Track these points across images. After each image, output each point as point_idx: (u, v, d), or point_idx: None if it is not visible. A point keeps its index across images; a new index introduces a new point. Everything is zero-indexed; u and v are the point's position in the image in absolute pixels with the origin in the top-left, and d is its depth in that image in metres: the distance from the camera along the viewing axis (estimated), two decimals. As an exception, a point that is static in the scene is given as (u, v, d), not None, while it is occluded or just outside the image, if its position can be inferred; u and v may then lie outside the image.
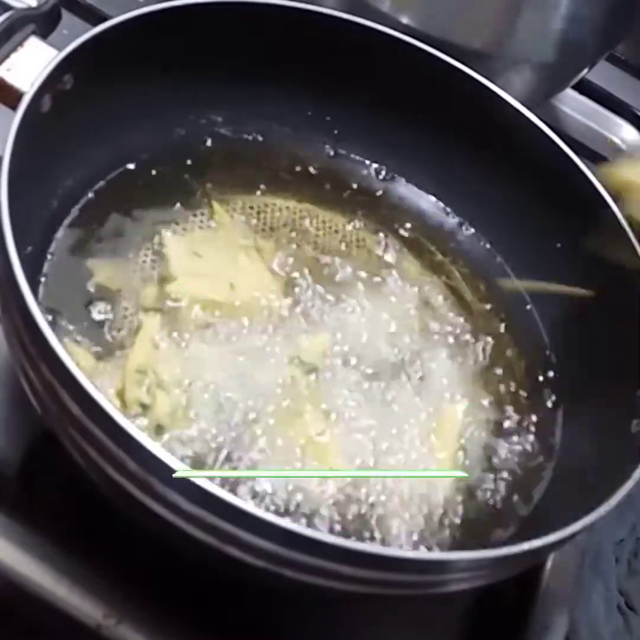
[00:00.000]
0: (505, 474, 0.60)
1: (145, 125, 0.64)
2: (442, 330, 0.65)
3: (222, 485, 0.52)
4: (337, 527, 0.54)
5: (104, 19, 0.58)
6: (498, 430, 0.62)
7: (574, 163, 0.66)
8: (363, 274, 0.66)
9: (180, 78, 0.64)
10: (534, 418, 0.63)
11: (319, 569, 0.45)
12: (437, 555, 0.53)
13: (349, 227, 0.69)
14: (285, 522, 0.44)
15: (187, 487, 0.43)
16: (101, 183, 0.63)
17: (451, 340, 0.65)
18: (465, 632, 0.60)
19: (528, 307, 0.69)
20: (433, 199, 0.73)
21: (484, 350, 0.65)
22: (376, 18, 0.67)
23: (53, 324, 0.55)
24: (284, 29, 0.65)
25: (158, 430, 0.54)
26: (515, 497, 0.59)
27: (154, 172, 0.65)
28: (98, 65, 0.57)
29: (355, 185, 0.72)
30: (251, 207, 0.67)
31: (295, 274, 0.64)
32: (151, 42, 0.60)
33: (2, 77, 0.60)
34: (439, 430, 0.60)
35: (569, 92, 0.94)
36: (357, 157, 0.73)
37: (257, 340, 0.59)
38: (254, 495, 0.53)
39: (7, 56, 0.59)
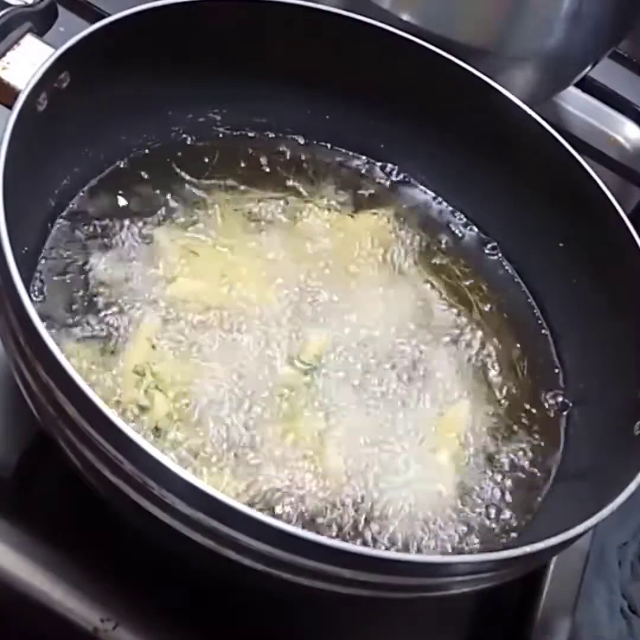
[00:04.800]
0: (507, 476, 0.59)
1: (143, 123, 0.64)
2: (444, 330, 0.65)
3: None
4: (337, 530, 0.54)
5: (101, 16, 0.58)
6: (500, 431, 0.61)
7: (577, 161, 0.65)
8: (365, 275, 0.66)
9: (178, 76, 0.64)
10: (536, 419, 0.63)
11: (319, 572, 0.45)
12: (438, 558, 0.52)
13: (351, 227, 0.68)
14: (284, 525, 0.43)
15: (185, 490, 0.43)
16: (97, 181, 0.62)
17: (453, 340, 0.65)
18: (468, 634, 0.60)
19: (531, 308, 0.69)
20: (436, 197, 0.72)
21: (486, 351, 0.65)
22: (377, 15, 0.67)
23: (49, 325, 0.55)
24: (284, 26, 0.65)
25: (156, 432, 0.53)
26: (518, 499, 0.59)
27: (151, 170, 0.65)
28: (95, 63, 0.57)
29: (355, 184, 0.71)
30: (250, 206, 0.66)
31: (295, 274, 0.64)
32: (148, 40, 0.60)
33: (-2, 75, 0.59)
34: (441, 431, 0.60)
35: (572, 90, 0.94)
36: (357, 156, 0.73)
37: (255, 340, 0.59)
38: (253, 498, 0.53)
39: (3, 54, 0.59)
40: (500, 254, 0.71)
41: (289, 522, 0.52)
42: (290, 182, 0.69)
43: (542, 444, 0.61)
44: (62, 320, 0.56)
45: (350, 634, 0.58)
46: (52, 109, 0.54)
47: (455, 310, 0.66)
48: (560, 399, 0.64)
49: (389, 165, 0.73)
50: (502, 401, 0.63)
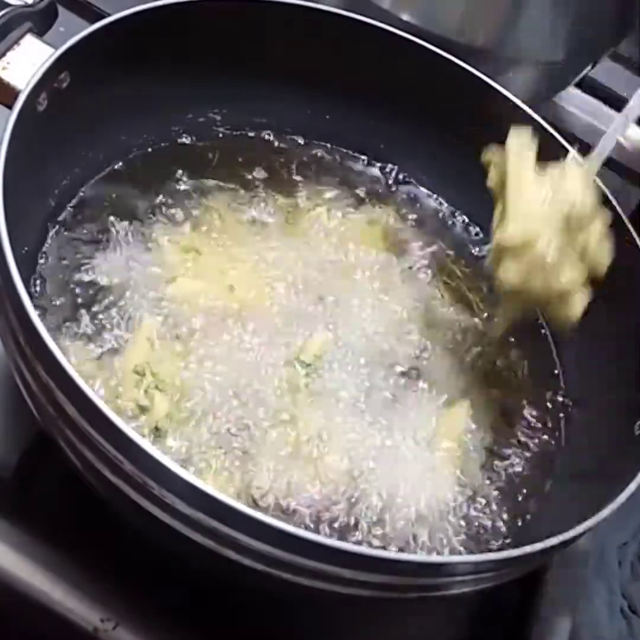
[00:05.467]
0: (507, 476, 0.60)
1: (143, 123, 0.65)
2: (444, 330, 0.65)
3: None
4: (337, 530, 0.54)
5: (101, 16, 0.58)
6: (500, 431, 0.61)
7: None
8: (365, 275, 0.66)
9: (178, 76, 0.64)
10: (537, 419, 0.63)
11: (319, 572, 0.45)
12: (438, 558, 0.52)
13: (350, 227, 0.68)
14: (284, 525, 0.43)
15: (185, 490, 0.43)
16: (96, 181, 0.63)
17: (453, 340, 0.65)
18: (468, 634, 0.60)
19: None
20: (436, 198, 0.72)
21: (486, 351, 0.65)
22: (377, 16, 0.67)
23: (49, 325, 0.55)
24: (284, 26, 0.65)
25: (156, 432, 0.53)
26: (518, 499, 0.59)
27: (151, 170, 0.65)
28: (94, 63, 0.57)
29: (355, 184, 0.71)
30: (250, 206, 0.66)
31: (296, 274, 0.64)
32: (148, 40, 0.60)
33: (-2, 75, 0.59)
34: (441, 431, 0.60)
35: (572, 90, 0.94)
36: (357, 156, 0.73)
37: (256, 341, 0.59)
38: (253, 498, 0.53)
39: (3, 54, 0.59)
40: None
41: (289, 522, 0.52)
42: (290, 182, 0.69)
43: (542, 444, 0.61)
44: (62, 320, 0.56)
45: (350, 634, 0.58)
46: (52, 109, 0.54)
47: (456, 311, 0.66)
48: (560, 399, 0.64)
49: (389, 165, 0.73)
50: (502, 401, 0.63)
